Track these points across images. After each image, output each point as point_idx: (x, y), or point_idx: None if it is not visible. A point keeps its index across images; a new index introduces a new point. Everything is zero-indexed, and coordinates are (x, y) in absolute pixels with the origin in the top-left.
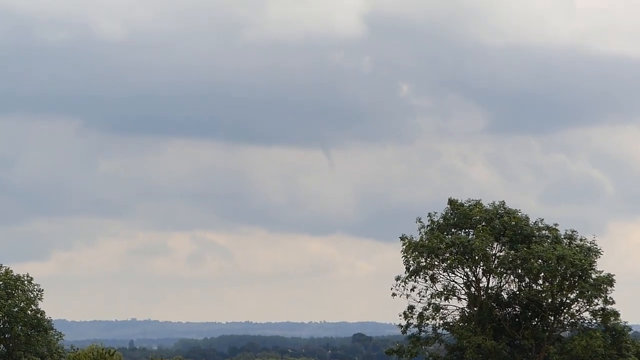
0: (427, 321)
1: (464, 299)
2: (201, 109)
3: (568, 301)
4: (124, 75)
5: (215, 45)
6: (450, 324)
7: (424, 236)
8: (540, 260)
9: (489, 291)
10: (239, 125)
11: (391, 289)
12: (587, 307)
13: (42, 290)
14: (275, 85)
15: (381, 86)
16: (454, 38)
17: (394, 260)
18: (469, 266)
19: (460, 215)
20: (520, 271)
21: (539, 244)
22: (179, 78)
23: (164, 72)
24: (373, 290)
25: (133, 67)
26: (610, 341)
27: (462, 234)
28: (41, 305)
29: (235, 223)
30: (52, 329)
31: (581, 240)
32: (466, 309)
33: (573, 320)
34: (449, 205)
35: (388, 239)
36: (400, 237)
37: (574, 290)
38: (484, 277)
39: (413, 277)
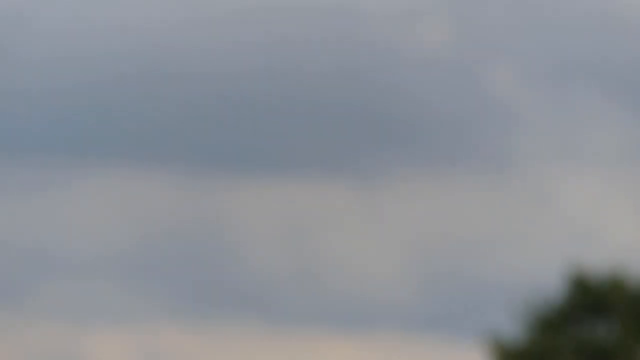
0: None
1: None
2: (140, 111)
3: None
4: None
5: None
6: None
7: (529, 334)
8: None
9: None
10: (207, 142)
11: None
12: None
13: None
14: (269, 67)
15: (457, 72)
16: None
17: None
18: None
19: (592, 299)
20: None
21: None
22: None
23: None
24: None
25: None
26: None
27: (596, 331)
28: None
29: (206, 310)
30: None
31: None
32: None
33: None
34: (570, 281)
35: (468, 334)
36: (483, 337)
37: None
38: None
39: None
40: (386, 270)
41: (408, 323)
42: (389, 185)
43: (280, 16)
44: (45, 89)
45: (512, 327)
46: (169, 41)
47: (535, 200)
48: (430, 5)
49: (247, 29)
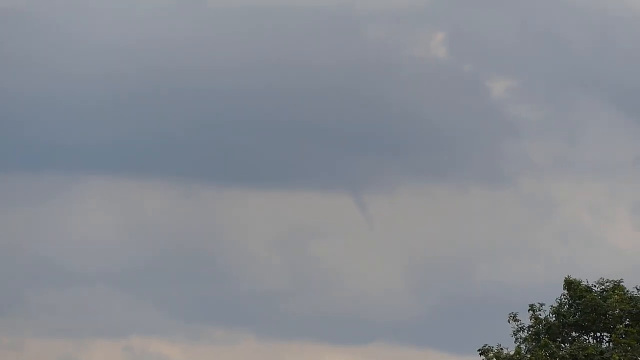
0: None
1: None
2: (136, 122)
3: None
4: None
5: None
6: None
7: (523, 346)
8: None
9: None
10: (204, 153)
11: None
12: None
13: None
14: (266, 79)
15: (458, 83)
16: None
17: None
18: None
19: (587, 307)
20: None
21: None
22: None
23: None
24: None
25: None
26: None
27: (591, 340)
28: None
29: (200, 324)
30: None
31: None
32: None
33: None
34: (565, 291)
35: (463, 348)
36: (479, 350)
37: None
38: None
39: None
40: (383, 280)
41: (403, 335)
42: (389, 200)
43: (282, 37)
44: (61, 104)
45: (511, 339)
46: (176, 60)
47: (535, 214)
48: (427, 19)
49: (252, 49)
